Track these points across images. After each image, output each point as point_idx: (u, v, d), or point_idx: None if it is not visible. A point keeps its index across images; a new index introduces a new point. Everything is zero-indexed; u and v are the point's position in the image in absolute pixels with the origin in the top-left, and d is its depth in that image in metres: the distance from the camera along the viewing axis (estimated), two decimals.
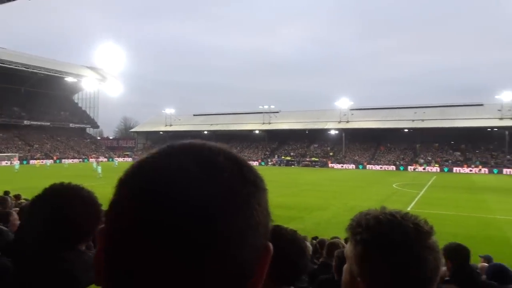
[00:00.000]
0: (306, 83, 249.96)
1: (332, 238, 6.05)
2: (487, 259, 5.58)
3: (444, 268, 5.28)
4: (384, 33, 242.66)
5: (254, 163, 68.22)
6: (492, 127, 60.71)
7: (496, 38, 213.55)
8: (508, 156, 57.74)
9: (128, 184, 0.45)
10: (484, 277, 3.45)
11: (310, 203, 21.64)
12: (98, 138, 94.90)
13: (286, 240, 1.47)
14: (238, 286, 0.44)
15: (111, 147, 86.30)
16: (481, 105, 66.22)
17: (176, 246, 0.40)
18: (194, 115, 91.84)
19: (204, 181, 0.42)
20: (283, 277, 1.39)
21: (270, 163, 68.23)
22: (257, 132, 78.79)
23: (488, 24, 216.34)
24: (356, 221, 0.92)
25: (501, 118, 58.95)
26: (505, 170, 52.33)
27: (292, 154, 71.38)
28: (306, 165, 63.82)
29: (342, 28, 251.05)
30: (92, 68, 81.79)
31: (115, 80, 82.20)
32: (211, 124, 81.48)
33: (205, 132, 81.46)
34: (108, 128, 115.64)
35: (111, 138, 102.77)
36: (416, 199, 24.91)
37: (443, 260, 0.89)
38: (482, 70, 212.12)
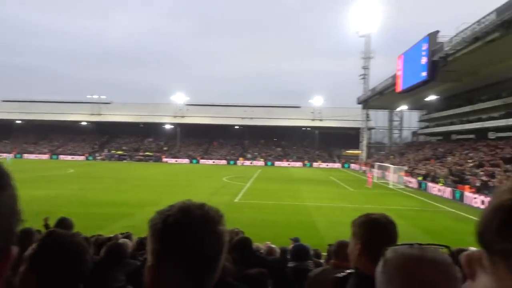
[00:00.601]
0: (141, 75, 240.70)
1: None
2: (295, 240, 6.46)
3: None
4: (221, 33, 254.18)
5: (80, 158, 62.35)
6: (306, 127, 70.84)
7: (312, 49, 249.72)
8: (317, 152, 68.41)
9: None
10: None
11: (142, 198, 21.00)
12: None
13: (53, 244, 1.32)
14: None
15: None
16: (299, 107, 76.29)
17: None
18: (3, 101, 77.57)
19: None
20: (49, 285, 1.24)
21: (98, 157, 63.35)
22: (84, 124, 71.95)
23: (306, 37, 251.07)
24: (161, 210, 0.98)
25: (313, 119, 69.23)
26: (315, 164, 61.68)
27: (124, 148, 67.90)
28: (140, 160, 61.70)
29: (181, 23, 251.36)
30: None
31: None
32: (27, 113, 70.42)
33: (18, 122, 70.00)
34: None
35: None
36: (243, 190, 26.94)
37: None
38: (300, 76, 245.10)
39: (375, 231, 1.44)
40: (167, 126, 71.05)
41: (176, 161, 62.45)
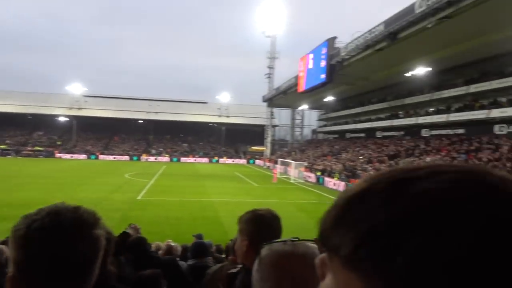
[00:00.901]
0: (29, 60, 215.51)
1: None
2: (198, 237, 6.43)
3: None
4: (122, 22, 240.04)
5: None
6: (213, 123, 70.96)
7: (220, 46, 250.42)
8: (223, 148, 69.05)
9: None
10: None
11: (31, 197, 18.90)
12: None
13: None
14: None
15: None
16: (206, 103, 76.07)
17: None
18: None
19: None
20: None
21: None
22: None
23: (215, 33, 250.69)
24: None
25: (219, 116, 69.62)
26: (221, 160, 62.17)
27: (8, 142, 60.35)
28: (28, 155, 55.49)
29: (79, 7, 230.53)
30: None
31: None
32: None
33: None
34: None
35: None
36: (147, 187, 25.99)
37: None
38: (208, 72, 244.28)
39: (261, 226, 1.47)
40: (61, 119, 65.10)
41: (72, 156, 57.58)
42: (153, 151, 63.63)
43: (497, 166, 20.09)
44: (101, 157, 58.75)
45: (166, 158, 60.48)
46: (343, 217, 0.38)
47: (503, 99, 24.81)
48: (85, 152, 59.94)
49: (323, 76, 33.25)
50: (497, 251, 0.29)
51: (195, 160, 61.34)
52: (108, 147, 63.90)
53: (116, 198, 20.21)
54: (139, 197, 21.64)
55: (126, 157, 59.35)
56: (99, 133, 66.74)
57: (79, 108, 64.44)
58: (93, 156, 58.60)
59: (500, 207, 0.31)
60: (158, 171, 39.84)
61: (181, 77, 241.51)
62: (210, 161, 61.48)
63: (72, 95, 64.05)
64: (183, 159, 61.14)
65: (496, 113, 24.28)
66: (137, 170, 39.73)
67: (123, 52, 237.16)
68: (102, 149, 62.64)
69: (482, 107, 25.82)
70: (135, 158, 59.29)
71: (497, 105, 24.85)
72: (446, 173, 0.35)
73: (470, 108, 27.10)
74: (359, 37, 26.34)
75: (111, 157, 58.82)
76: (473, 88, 26.74)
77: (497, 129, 24.77)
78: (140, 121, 68.24)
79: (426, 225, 0.31)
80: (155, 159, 59.82)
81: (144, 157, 59.85)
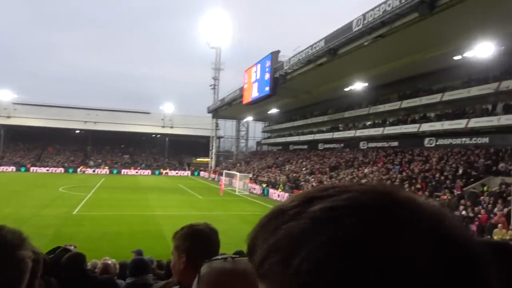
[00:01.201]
0: None
1: None
2: (138, 253, 6.17)
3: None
4: (60, 26, 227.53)
5: None
6: (156, 134, 69.16)
7: (164, 54, 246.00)
8: (167, 160, 67.46)
9: None
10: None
11: None
12: None
13: None
14: None
15: None
16: (148, 113, 74.07)
17: None
18: None
19: None
20: None
21: None
22: None
23: (159, 42, 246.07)
24: None
25: (163, 126, 68.06)
26: (164, 172, 60.63)
27: None
28: None
29: (10, 11, 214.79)
30: None
31: None
32: None
33: None
34: None
35: None
36: (83, 201, 24.61)
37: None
38: (151, 81, 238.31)
39: (199, 242, 1.43)
40: None
41: None
42: (91, 163, 60.52)
43: (427, 177, 21.65)
44: (33, 169, 54.72)
45: (105, 170, 57.75)
46: (260, 232, 0.42)
47: (432, 114, 26.88)
48: (14, 164, 55.48)
49: (267, 88, 33.89)
50: (367, 266, 0.34)
51: (137, 172, 59.27)
52: (41, 159, 59.72)
53: (49, 214, 18.91)
54: (74, 212, 20.44)
55: (61, 169, 55.84)
56: (30, 144, 62.25)
57: (8, 117, 59.69)
58: (23, 168, 54.39)
59: (375, 225, 0.35)
60: (96, 184, 37.93)
61: (123, 86, 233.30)
62: (153, 173, 59.75)
63: (0, 102, 59.21)
64: (124, 171, 58.78)
65: (425, 127, 26.24)
66: (73, 183, 37.53)
67: (60, 58, 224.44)
68: (34, 160, 58.41)
69: (414, 121, 27.76)
70: (70, 170, 55.90)
71: (426, 119, 26.87)
72: (347, 192, 0.39)
73: (403, 122, 29.02)
74: (301, 52, 27.24)
75: (44, 170, 54.99)
76: (406, 103, 28.70)
77: (426, 141, 26.72)
78: (77, 131, 64.64)
79: (313, 239, 0.36)
80: (94, 171, 56.90)
81: (81, 169, 56.69)
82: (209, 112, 59.02)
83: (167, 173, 60.51)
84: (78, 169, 56.46)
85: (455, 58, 21.62)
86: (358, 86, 29.28)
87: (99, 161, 61.97)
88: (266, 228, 0.41)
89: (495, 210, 15.44)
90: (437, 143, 25.83)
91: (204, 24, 57.24)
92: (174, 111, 69.21)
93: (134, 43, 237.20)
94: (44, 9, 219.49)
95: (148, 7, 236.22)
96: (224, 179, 41.87)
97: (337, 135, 36.76)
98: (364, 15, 19.75)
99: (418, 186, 20.95)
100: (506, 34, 17.99)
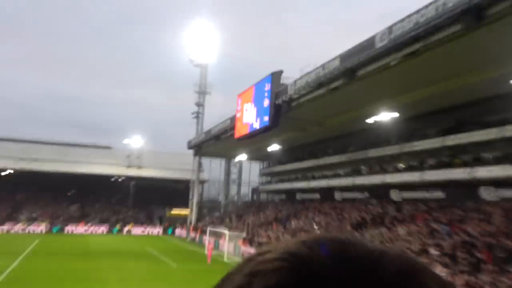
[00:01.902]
0: None
1: None
2: None
3: None
4: None
5: None
6: (118, 176, 68.79)
7: (133, 74, 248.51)
8: (131, 212, 66.81)
9: None
10: None
11: None
12: None
13: None
14: None
15: None
16: (109, 148, 74.55)
17: None
18: None
19: None
20: None
21: None
22: None
23: (125, 58, 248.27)
24: None
25: (128, 166, 67.93)
26: (125, 229, 59.94)
27: None
28: None
29: None
30: None
31: None
32: None
33: None
34: None
35: None
36: (5, 274, 23.99)
37: None
38: (114, 106, 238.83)
39: None
40: None
41: None
42: (22, 217, 59.79)
43: (490, 243, 20.84)
44: None
45: (42, 228, 56.92)
46: None
47: (490, 155, 26.68)
48: None
49: (266, 118, 34.05)
50: None
51: (87, 229, 58.77)
52: None
53: None
54: None
55: None
56: None
57: None
58: None
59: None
60: (27, 247, 37.32)
61: (76, 112, 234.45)
62: (110, 231, 59.13)
63: None
64: (68, 228, 58.23)
65: (481, 172, 25.93)
66: None
67: None
68: None
69: (464, 165, 27.59)
70: None
71: (481, 162, 26.71)
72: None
73: (448, 165, 28.92)
74: (310, 72, 27.59)
75: None
76: (450, 140, 28.71)
77: (483, 192, 26.45)
78: (4, 172, 63.42)
79: None
80: (25, 229, 56.00)
81: (5, 226, 55.53)
82: (190, 148, 59.23)
83: (129, 230, 59.85)
84: (3, 226, 55.41)
85: None
86: (385, 116, 29.43)
87: (34, 214, 61.20)
88: None
89: None
90: (497, 193, 25.63)
91: (186, 37, 58.57)
92: (143, 146, 69.57)
93: (94, 58, 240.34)
94: None
95: (117, 14, 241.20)
96: (207, 239, 41.24)
97: (359, 181, 36.63)
98: (390, 28, 20.12)
99: (479, 255, 20.08)
100: None
